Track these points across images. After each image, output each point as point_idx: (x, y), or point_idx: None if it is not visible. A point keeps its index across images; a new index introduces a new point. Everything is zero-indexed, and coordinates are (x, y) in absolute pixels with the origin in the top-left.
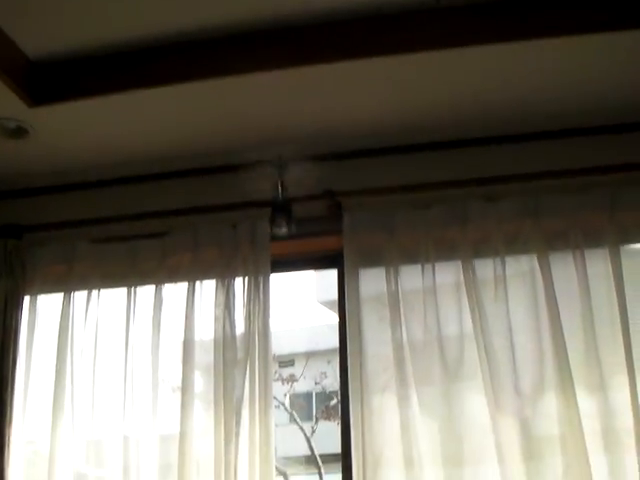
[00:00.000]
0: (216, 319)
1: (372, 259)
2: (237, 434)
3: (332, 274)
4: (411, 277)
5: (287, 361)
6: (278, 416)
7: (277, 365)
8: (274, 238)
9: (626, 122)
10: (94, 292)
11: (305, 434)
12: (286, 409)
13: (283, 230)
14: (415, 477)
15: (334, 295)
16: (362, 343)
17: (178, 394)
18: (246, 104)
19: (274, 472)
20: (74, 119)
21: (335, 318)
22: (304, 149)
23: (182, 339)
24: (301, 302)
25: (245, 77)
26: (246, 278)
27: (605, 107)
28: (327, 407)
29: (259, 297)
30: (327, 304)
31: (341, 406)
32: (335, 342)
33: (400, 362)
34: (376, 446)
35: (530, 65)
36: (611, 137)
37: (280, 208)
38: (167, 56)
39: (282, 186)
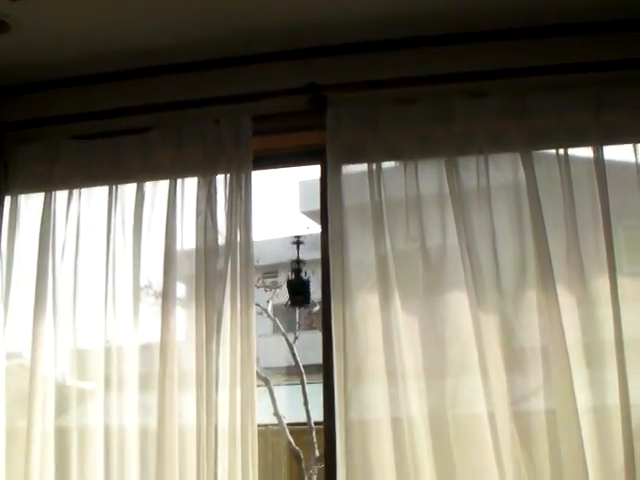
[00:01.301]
0: (198, 217)
1: (355, 155)
2: (218, 341)
3: (314, 185)
4: (394, 179)
5: (271, 272)
6: (261, 326)
7: (261, 275)
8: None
9: (613, 20)
10: (75, 191)
11: (288, 342)
12: (269, 315)
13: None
14: (397, 388)
15: (317, 206)
16: (344, 251)
17: (159, 301)
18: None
19: (255, 378)
20: (57, 12)
21: (319, 229)
22: (288, 42)
23: (164, 242)
24: (284, 213)
25: None
26: (228, 175)
27: (593, 4)
28: (310, 313)
29: (241, 194)
30: (310, 214)
31: (322, 316)
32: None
33: (383, 269)
34: (358, 356)
35: None
36: (598, 35)
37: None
38: None
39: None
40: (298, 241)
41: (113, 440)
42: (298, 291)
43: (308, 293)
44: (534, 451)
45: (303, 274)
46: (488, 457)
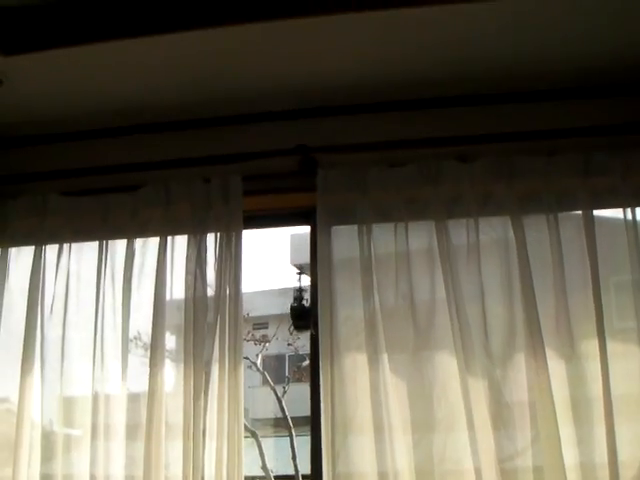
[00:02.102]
0: (187, 275)
1: (345, 217)
2: (206, 393)
3: (305, 238)
4: (384, 237)
5: (261, 323)
6: (250, 378)
7: (251, 327)
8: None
9: (599, 85)
10: (65, 246)
11: (277, 395)
12: (258, 369)
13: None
14: (384, 442)
15: (308, 259)
16: (333, 305)
17: (148, 352)
18: (220, 58)
19: (243, 431)
20: (50, 69)
21: (308, 281)
22: (279, 104)
23: (153, 296)
24: (275, 265)
25: (217, 30)
26: (218, 234)
27: (579, 70)
28: (299, 368)
29: (231, 252)
30: (300, 267)
31: (311, 369)
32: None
33: (371, 326)
34: (346, 410)
35: (506, 22)
36: (585, 100)
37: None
38: (143, 6)
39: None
40: (300, 271)
41: None
42: (300, 317)
43: (309, 319)
44: None
45: (305, 301)
46: None
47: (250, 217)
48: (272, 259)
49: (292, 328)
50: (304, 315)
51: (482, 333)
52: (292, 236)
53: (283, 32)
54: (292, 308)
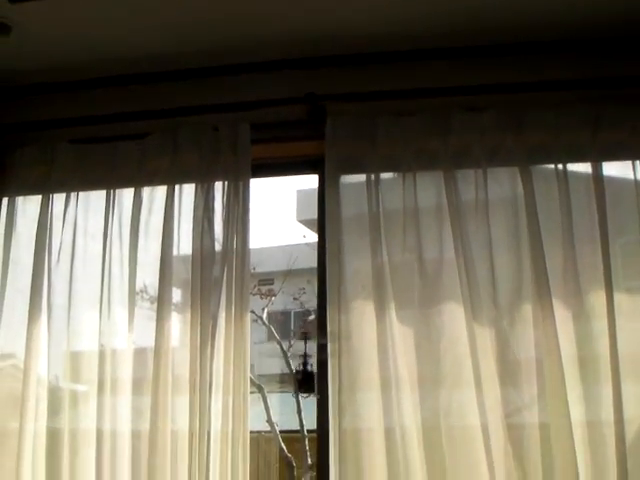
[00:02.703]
0: (195, 224)
1: (353, 166)
2: (212, 347)
3: (311, 194)
4: (392, 188)
5: (267, 279)
6: (256, 333)
7: (257, 283)
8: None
9: (613, 37)
10: (72, 195)
11: (283, 349)
12: (264, 323)
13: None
14: (391, 398)
15: (314, 215)
16: (341, 261)
17: (154, 306)
18: (231, 4)
19: (248, 385)
20: (58, 16)
21: (315, 237)
22: (289, 52)
23: (160, 247)
24: (281, 221)
25: None
26: (226, 182)
27: (593, 21)
28: (305, 322)
29: (239, 201)
30: (307, 223)
31: (317, 325)
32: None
33: (379, 279)
34: (352, 365)
35: None
36: (598, 53)
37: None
38: None
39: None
40: (306, 337)
41: (105, 443)
42: (305, 381)
43: (313, 383)
44: (527, 464)
45: (309, 366)
46: (481, 469)
47: (258, 166)
48: (278, 216)
49: (297, 387)
50: (309, 379)
51: (490, 284)
52: (298, 192)
53: None
54: (297, 372)
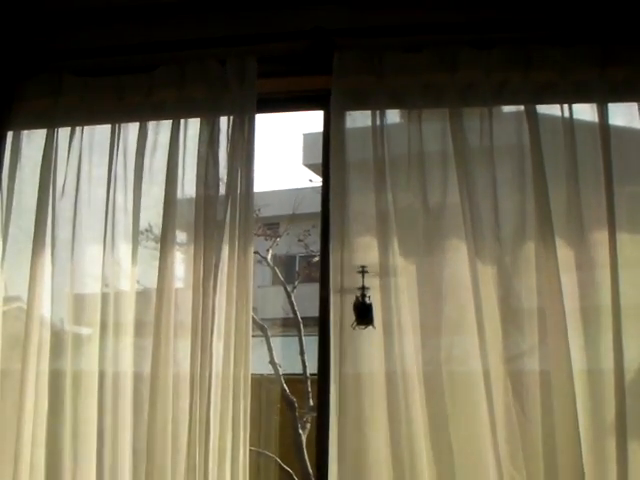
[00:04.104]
0: (199, 160)
1: (359, 101)
2: (215, 290)
3: (318, 138)
4: (397, 132)
5: (272, 223)
6: (261, 276)
7: (261, 225)
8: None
9: None
10: (78, 129)
11: (287, 292)
12: (268, 264)
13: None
14: (392, 342)
15: (320, 159)
16: (345, 203)
17: (159, 245)
18: None
19: (250, 328)
20: None
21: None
22: None
23: (164, 187)
24: (287, 164)
25: None
26: (231, 117)
27: None
28: (309, 264)
29: (244, 135)
30: (313, 167)
31: (321, 269)
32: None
33: (383, 223)
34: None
35: None
36: None
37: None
38: None
39: None
40: (363, 270)
41: (107, 385)
42: (363, 314)
43: (372, 314)
44: (527, 408)
45: (367, 298)
46: (481, 414)
47: (264, 100)
48: (285, 159)
49: (355, 324)
50: (366, 311)
51: (493, 223)
52: (305, 135)
53: None
54: (355, 305)
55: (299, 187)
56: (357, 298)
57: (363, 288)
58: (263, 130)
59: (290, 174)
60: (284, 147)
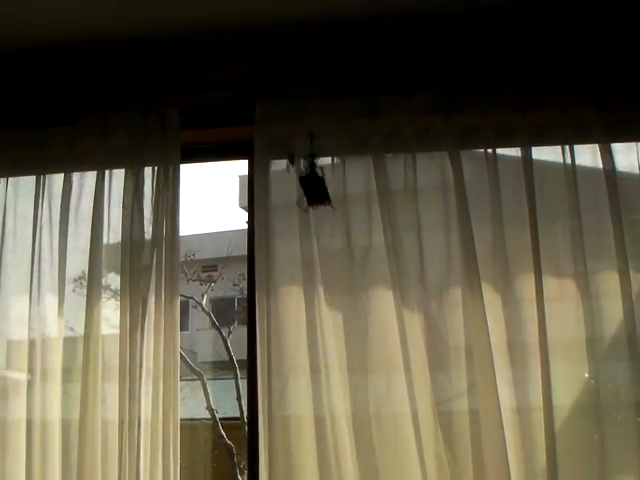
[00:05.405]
0: (124, 209)
1: (282, 150)
2: (142, 332)
3: None
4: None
5: (210, 265)
6: (198, 320)
7: (200, 269)
8: None
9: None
10: (2, 180)
11: (222, 336)
12: (203, 309)
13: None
14: (321, 385)
15: None
16: (270, 246)
17: (84, 293)
18: None
19: (178, 369)
20: None
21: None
22: (219, 36)
23: (90, 235)
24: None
25: None
26: (156, 167)
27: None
28: (244, 308)
29: (169, 185)
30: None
31: (247, 311)
32: None
33: (308, 266)
34: (282, 351)
35: None
36: (528, 35)
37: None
38: None
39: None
40: (312, 134)
41: (36, 433)
42: (314, 189)
43: (326, 189)
44: (457, 450)
45: (319, 170)
46: (411, 456)
47: (189, 150)
48: (221, 202)
49: (305, 204)
50: (318, 186)
51: (419, 268)
52: (240, 177)
53: None
54: (302, 179)
55: (235, 229)
56: (305, 170)
57: (312, 156)
58: (198, 173)
59: (227, 216)
60: (220, 189)
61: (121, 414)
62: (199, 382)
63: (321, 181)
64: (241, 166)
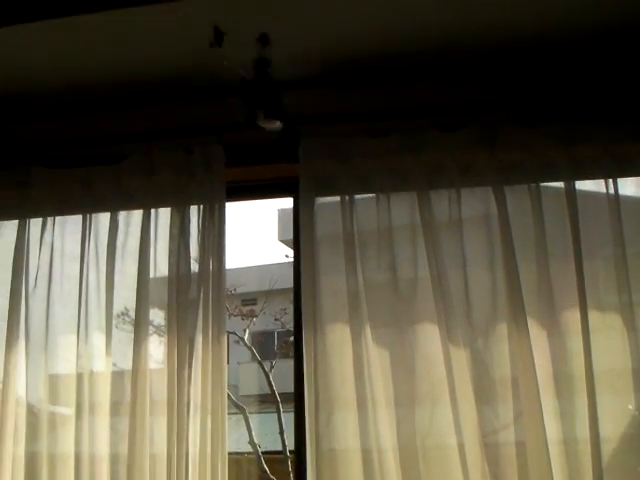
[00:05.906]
0: (170, 248)
1: (327, 187)
2: (190, 367)
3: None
4: (366, 209)
5: (250, 299)
6: (240, 354)
7: (240, 303)
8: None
9: (576, 54)
10: (49, 219)
11: (264, 370)
12: (245, 344)
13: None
14: (367, 418)
15: None
16: (316, 281)
17: (131, 328)
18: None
19: (226, 405)
20: (29, 39)
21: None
22: None
23: (137, 272)
24: (263, 241)
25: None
26: (201, 206)
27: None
28: (286, 342)
29: (214, 224)
30: (289, 242)
31: (294, 343)
32: None
33: (355, 299)
34: (329, 385)
35: None
36: (570, 70)
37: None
38: None
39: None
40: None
41: (84, 467)
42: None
43: (281, 104)
44: None
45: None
46: None
47: (233, 189)
48: (260, 235)
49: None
50: (270, 95)
51: (464, 303)
52: (280, 211)
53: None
54: (249, 84)
55: (276, 262)
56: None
57: (264, 60)
58: (239, 210)
59: (267, 250)
60: (260, 224)
61: (169, 449)
62: (241, 416)
63: (275, 91)
64: (279, 199)
